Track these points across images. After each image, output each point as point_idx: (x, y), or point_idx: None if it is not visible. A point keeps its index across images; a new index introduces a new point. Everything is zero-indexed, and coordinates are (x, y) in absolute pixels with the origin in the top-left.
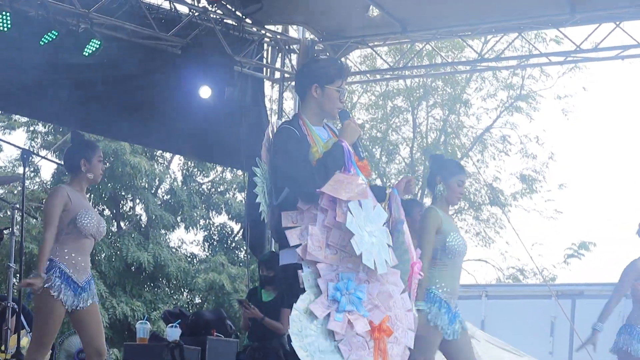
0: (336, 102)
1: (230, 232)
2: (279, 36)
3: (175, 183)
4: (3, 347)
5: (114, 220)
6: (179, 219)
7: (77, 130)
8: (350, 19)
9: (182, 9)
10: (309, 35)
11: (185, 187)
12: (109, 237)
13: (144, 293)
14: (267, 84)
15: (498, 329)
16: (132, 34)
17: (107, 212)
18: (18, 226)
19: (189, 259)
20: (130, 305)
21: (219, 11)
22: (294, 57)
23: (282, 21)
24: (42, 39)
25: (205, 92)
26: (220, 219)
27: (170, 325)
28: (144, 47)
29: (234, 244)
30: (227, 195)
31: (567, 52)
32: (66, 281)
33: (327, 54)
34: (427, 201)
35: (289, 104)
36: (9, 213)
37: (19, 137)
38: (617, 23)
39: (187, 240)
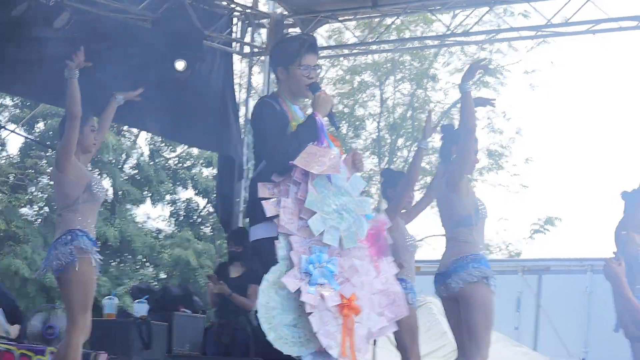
0: (302, 80)
1: (196, 208)
2: (248, 10)
3: (142, 158)
4: None
5: None
6: (145, 193)
7: None
8: None
9: None
10: (279, 9)
11: (152, 162)
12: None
13: (110, 268)
14: (236, 58)
15: None
16: (103, 8)
17: None
18: None
19: (155, 234)
20: (97, 280)
21: None
22: (263, 31)
23: None
24: (12, 12)
25: (180, 65)
26: (187, 194)
27: (137, 300)
28: (114, 20)
29: (200, 220)
30: (194, 170)
31: (538, 26)
32: (97, 248)
33: (298, 28)
34: None
35: (258, 79)
36: None
37: None
38: None
39: (153, 215)
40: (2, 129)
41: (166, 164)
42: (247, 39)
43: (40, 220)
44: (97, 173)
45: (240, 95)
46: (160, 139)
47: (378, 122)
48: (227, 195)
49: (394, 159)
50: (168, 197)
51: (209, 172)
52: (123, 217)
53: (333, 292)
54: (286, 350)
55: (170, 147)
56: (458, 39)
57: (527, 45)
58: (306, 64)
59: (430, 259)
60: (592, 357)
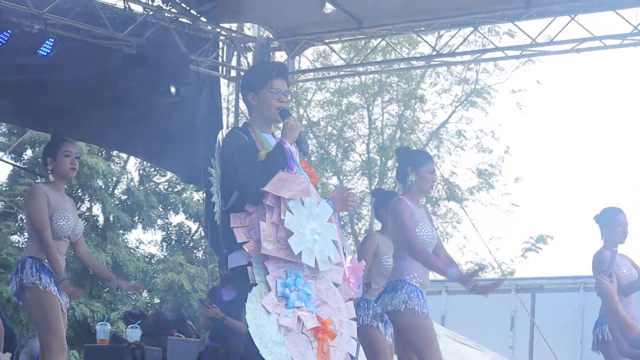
0: (273, 104)
1: (188, 232)
2: (234, 34)
3: (132, 183)
4: None
5: None
6: (136, 219)
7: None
8: (305, 15)
9: (137, 8)
10: (264, 33)
11: (142, 187)
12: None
13: (103, 294)
14: (223, 82)
15: (458, 324)
16: (87, 34)
17: None
18: None
19: (148, 259)
20: (90, 306)
21: (173, 10)
22: (249, 55)
23: (236, 19)
24: None
25: (173, 89)
26: (178, 218)
27: (130, 326)
28: (99, 47)
29: (192, 244)
30: (185, 194)
31: (523, 45)
32: (51, 275)
33: (284, 51)
34: None
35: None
36: None
37: None
38: (572, 16)
39: (145, 240)
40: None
41: (156, 189)
42: (234, 62)
43: None
44: (88, 199)
45: (227, 119)
46: (149, 164)
47: (367, 144)
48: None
49: (385, 180)
50: (159, 221)
51: (199, 196)
52: (115, 243)
53: (310, 314)
54: None
55: (160, 172)
56: (444, 59)
57: (512, 64)
58: (277, 88)
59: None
60: None
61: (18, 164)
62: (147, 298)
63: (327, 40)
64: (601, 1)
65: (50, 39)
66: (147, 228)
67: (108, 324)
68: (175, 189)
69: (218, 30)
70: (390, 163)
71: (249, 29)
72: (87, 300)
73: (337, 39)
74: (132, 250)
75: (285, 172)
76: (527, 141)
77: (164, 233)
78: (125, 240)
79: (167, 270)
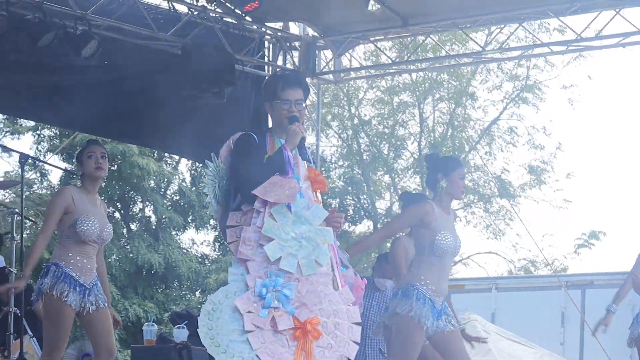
0: (283, 114)
1: None
2: (279, 33)
3: (184, 184)
4: (6, 353)
5: (123, 223)
6: (189, 219)
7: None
8: (351, 14)
9: (181, 8)
10: (310, 32)
11: (194, 188)
12: (119, 239)
13: (156, 294)
14: None
15: (509, 322)
16: (131, 35)
17: (117, 214)
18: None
19: (200, 260)
20: (143, 307)
21: (218, 9)
22: (295, 54)
23: (282, 18)
24: (40, 41)
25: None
26: None
27: (177, 326)
28: (143, 47)
29: None
30: None
31: (568, 41)
32: (72, 284)
33: (329, 50)
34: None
35: None
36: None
37: (27, 141)
38: (617, 10)
39: (198, 241)
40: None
41: None
42: (280, 61)
43: None
44: (140, 200)
45: None
46: (201, 164)
47: (419, 142)
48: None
49: None
50: (212, 222)
51: None
52: (167, 244)
53: (286, 315)
54: None
55: None
56: (491, 55)
57: (564, 60)
58: (286, 98)
59: (475, 276)
60: None
61: (61, 167)
62: (200, 298)
63: (372, 39)
64: None
65: (94, 40)
66: (200, 228)
67: (155, 324)
68: None
69: (263, 29)
70: None
71: (295, 28)
72: (140, 300)
73: (382, 37)
74: (184, 251)
75: (279, 177)
76: (579, 137)
77: (217, 233)
78: (179, 241)
79: (219, 270)
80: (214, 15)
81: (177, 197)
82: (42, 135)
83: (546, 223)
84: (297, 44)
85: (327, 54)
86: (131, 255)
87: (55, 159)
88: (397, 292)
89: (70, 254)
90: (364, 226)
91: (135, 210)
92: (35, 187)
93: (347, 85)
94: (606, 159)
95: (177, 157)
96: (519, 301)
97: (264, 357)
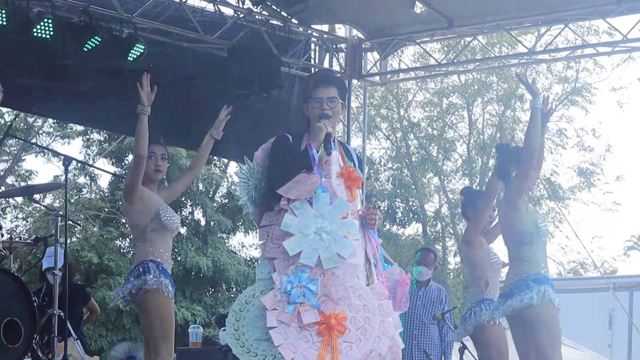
0: (316, 113)
1: None
2: (325, 35)
3: (232, 187)
4: (50, 355)
5: None
6: (238, 222)
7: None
8: (397, 15)
9: (227, 11)
10: (356, 34)
11: None
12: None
13: (204, 298)
14: None
15: None
16: (177, 38)
17: None
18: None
19: (249, 263)
20: (191, 310)
21: (264, 12)
22: (341, 56)
23: (328, 20)
24: (86, 45)
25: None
26: None
27: (222, 328)
28: (189, 50)
29: None
30: None
31: (615, 42)
32: (169, 278)
33: (375, 52)
34: None
35: None
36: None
37: (77, 146)
38: None
39: (246, 244)
40: (86, 165)
41: None
42: (326, 63)
43: (132, 252)
44: (190, 204)
45: None
46: None
47: (468, 144)
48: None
49: (486, 180)
50: None
51: None
52: (215, 247)
53: (311, 309)
54: None
55: None
56: (539, 57)
57: (613, 62)
58: (318, 96)
59: None
60: None
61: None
62: None
63: (418, 40)
64: None
65: (139, 43)
66: (249, 231)
67: (200, 327)
68: None
69: (309, 31)
70: (491, 162)
71: (341, 30)
72: (188, 304)
73: (428, 39)
74: (233, 254)
75: (304, 174)
76: (629, 139)
77: None
78: (228, 244)
79: None
80: (259, 17)
81: (226, 200)
82: (91, 139)
83: (595, 225)
84: (343, 45)
85: (374, 55)
86: (180, 258)
87: (104, 163)
88: (525, 285)
89: (161, 250)
90: (413, 229)
91: (184, 213)
92: (84, 191)
93: (396, 87)
94: None
95: (225, 161)
96: (566, 303)
97: (286, 352)
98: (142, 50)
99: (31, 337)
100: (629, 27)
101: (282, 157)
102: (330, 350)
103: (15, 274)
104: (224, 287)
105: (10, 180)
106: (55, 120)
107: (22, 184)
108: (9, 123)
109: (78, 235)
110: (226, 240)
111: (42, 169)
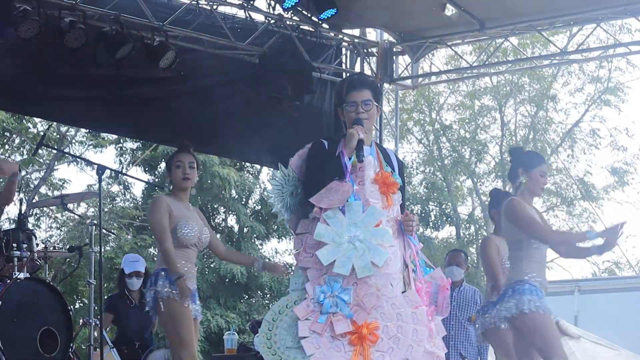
0: (351, 117)
1: None
2: (356, 40)
3: (265, 193)
4: None
5: None
6: (271, 229)
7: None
8: (427, 18)
9: (258, 17)
10: (386, 38)
11: None
12: (201, 250)
13: (239, 305)
14: None
15: (591, 324)
16: (209, 45)
17: None
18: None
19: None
20: (225, 317)
21: (295, 18)
22: (373, 60)
23: (358, 24)
24: (118, 53)
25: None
26: None
27: (257, 334)
28: (221, 57)
29: None
30: None
31: None
32: (172, 287)
33: (407, 55)
34: None
35: None
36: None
37: (110, 154)
38: None
39: (280, 250)
40: (120, 174)
41: None
42: (357, 68)
43: None
44: (223, 211)
45: None
46: None
47: (500, 146)
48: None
49: None
50: None
51: None
52: (249, 253)
53: (343, 319)
54: None
55: None
56: (570, 57)
57: None
58: (352, 100)
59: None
60: None
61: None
62: None
63: (450, 43)
64: None
65: (171, 51)
66: (282, 237)
67: (235, 333)
68: None
69: (340, 36)
70: None
71: (371, 34)
72: (222, 311)
73: (460, 41)
74: (267, 260)
75: (336, 182)
76: None
77: None
78: (261, 250)
79: None
80: (290, 23)
81: (259, 207)
82: (124, 148)
83: (630, 224)
84: (374, 50)
85: (405, 59)
86: (213, 265)
87: (137, 171)
88: (506, 293)
89: (181, 261)
90: (446, 232)
91: (217, 220)
92: (118, 199)
93: (427, 90)
94: None
95: (258, 167)
96: (601, 303)
97: None
98: (173, 58)
99: (67, 346)
100: None
101: (315, 165)
102: None
103: (51, 283)
104: (258, 294)
105: (43, 189)
106: (88, 130)
107: (56, 193)
108: (43, 133)
109: (112, 244)
110: (260, 247)
111: (75, 178)
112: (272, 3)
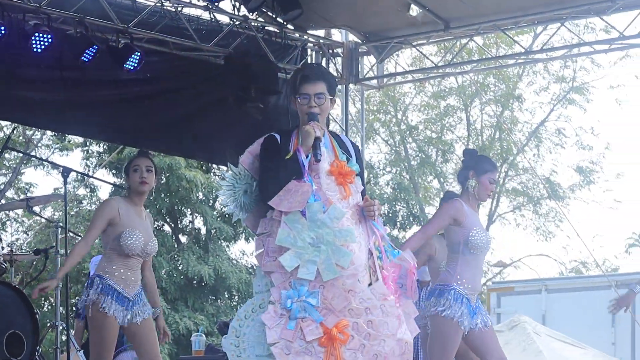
0: (303, 110)
1: None
2: (321, 40)
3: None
4: None
5: (173, 235)
6: (239, 230)
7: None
8: (392, 19)
9: (223, 18)
10: (352, 38)
11: None
12: (169, 252)
13: (207, 306)
14: None
15: (559, 323)
16: (174, 47)
17: (166, 227)
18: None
19: (251, 270)
20: (193, 319)
21: (259, 19)
22: (338, 60)
23: (323, 25)
24: (83, 56)
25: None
26: None
27: (225, 336)
28: (186, 59)
29: None
30: None
31: (611, 39)
32: (116, 297)
33: (372, 55)
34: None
35: (337, 110)
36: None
37: (76, 158)
38: None
39: (248, 252)
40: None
41: None
42: None
43: None
44: (190, 213)
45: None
46: None
47: (467, 145)
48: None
49: None
50: None
51: None
52: (217, 255)
53: (313, 324)
54: None
55: None
56: (536, 56)
57: (610, 61)
58: (305, 92)
59: (524, 278)
60: None
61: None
62: None
63: (415, 43)
64: None
65: (136, 53)
66: (250, 239)
67: (203, 335)
68: None
69: (305, 37)
70: None
71: (336, 35)
72: (190, 313)
73: (425, 41)
74: (234, 262)
75: (294, 182)
76: (628, 136)
77: None
78: (229, 252)
79: None
80: (255, 24)
81: (226, 208)
82: (90, 151)
83: (596, 224)
84: (339, 50)
85: (370, 59)
86: (181, 267)
87: (103, 174)
88: (433, 292)
89: (114, 267)
90: (414, 232)
91: (185, 222)
92: (84, 202)
93: (393, 91)
94: None
95: (224, 168)
96: (569, 302)
97: None
98: (138, 60)
99: (34, 350)
100: (625, 25)
101: (269, 161)
102: None
103: (17, 286)
104: (226, 295)
105: (10, 193)
106: (53, 133)
107: (22, 196)
108: (7, 136)
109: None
110: (227, 249)
111: (41, 182)
112: (237, 4)
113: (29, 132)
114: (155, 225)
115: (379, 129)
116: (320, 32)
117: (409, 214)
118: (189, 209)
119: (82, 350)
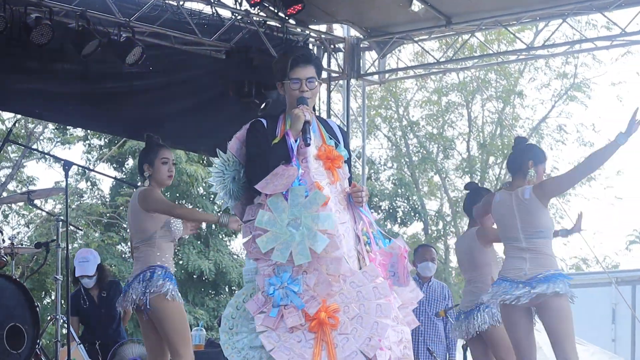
0: (294, 94)
1: None
2: (323, 35)
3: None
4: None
5: None
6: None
7: (149, 134)
8: (394, 14)
9: (224, 13)
10: (353, 33)
11: None
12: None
13: (207, 301)
14: None
15: None
16: (175, 41)
17: None
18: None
19: None
20: (193, 313)
21: (261, 13)
22: (340, 55)
23: (325, 20)
24: (84, 49)
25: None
26: None
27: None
28: (188, 53)
29: None
30: None
31: (613, 36)
32: (175, 283)
33: (374, 51)
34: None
35: (338, 105)
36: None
37: (78, 151)
38: None
39: None
40: (87, 170)
41: None
42: (324, 64)
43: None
44: (191, 207)
45: None
46: None
47: (468, 142)
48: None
49: (486, 177)
50: None
51: None
52: (217, 250)
53: (295, 311)
54: None
55: None
56: (536, 52)
57: (612, 57)
58: (296, 77)
59: None
60: None
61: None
62: None
63: (416, 39)
64: None
65: (138, 48)
66: None
67: (203, 329)
68: None
69: (307, 32)
70: (491, 160)
71: (338, 30)
72: (190, 307)
73: (426, 37)
74: (235, 257)
75: (282, 167)
76: None
77: None
78: (229, 247)
79: None
80: (257, 19)
81: (217, 197)
82: (91, 145)
83: (597, 220)
84: (341, 45)
85: (373, 55)
86: (181, 262)
87: (105, 168)
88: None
89: (167, 255)
90: (415, 228)
91: None
92: (85, 196)
93: (394, 86)
94: None
95: None
96: None
97: (279, 356)
98: (139, 54)
99: (34, 343)
100: (627, 21)
101: (257, 146)
102: (326, 346)
103: (18, 279)
104: (227, 290)
105: (11, 186)
106: (55, 126)
107: (24, 189)
108: (9, 129)
109: (79, 241)
110: (228, 243)
111: (43, 175)
112: None
113: (30, 125)
114: None
115: (380, 125)
116: (322, 27)
117: (410, 209)
118: (189, 204)
119: (82, 344)
